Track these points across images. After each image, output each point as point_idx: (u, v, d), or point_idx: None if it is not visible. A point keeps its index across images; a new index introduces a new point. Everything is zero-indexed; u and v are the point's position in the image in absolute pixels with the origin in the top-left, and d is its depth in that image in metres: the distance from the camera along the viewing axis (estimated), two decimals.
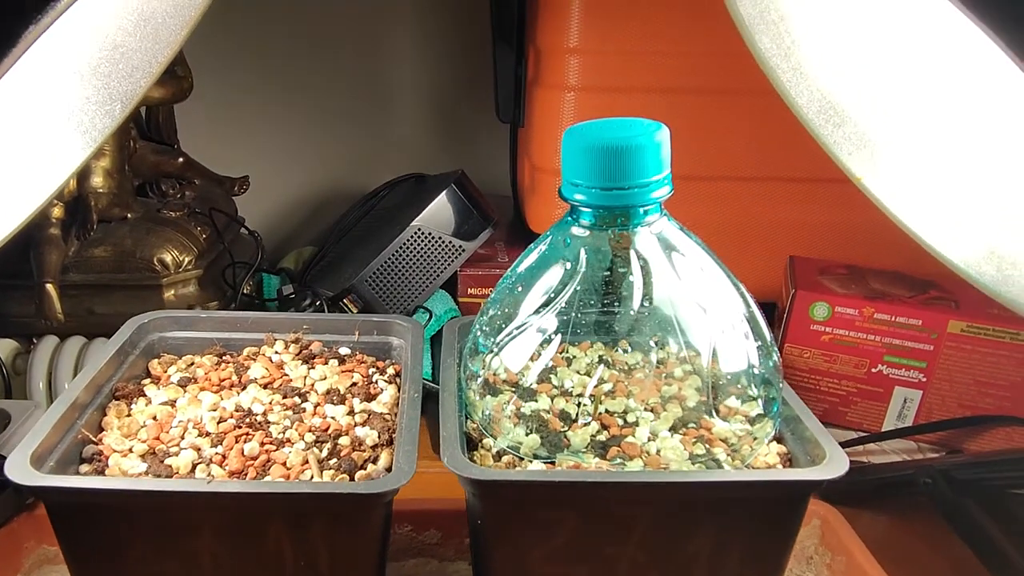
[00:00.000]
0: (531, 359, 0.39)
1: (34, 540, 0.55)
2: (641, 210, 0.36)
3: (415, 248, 0.73)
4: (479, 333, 0.41)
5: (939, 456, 0.66)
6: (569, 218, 0.38)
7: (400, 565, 0.56)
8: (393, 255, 0.73)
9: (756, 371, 0.37)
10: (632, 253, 0.36)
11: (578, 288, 0.37)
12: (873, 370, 0.68)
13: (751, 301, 0.38)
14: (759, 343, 0.37)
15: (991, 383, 0.66)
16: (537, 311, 0.38)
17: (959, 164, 0.43)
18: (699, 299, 0.37)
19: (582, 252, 0.37)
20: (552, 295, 0.37)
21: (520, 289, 0.39)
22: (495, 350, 0.39)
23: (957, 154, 0.43)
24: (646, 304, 0.36)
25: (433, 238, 0.74)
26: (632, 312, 0.36)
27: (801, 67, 0.43)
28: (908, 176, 0.44)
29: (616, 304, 0.37)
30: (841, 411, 0.70)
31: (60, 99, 0.44)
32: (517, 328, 0.38)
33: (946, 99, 0.42)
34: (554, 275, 0.38)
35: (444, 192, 0.74)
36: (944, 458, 0.64)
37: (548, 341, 0.38)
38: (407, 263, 0.73)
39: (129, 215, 0.75)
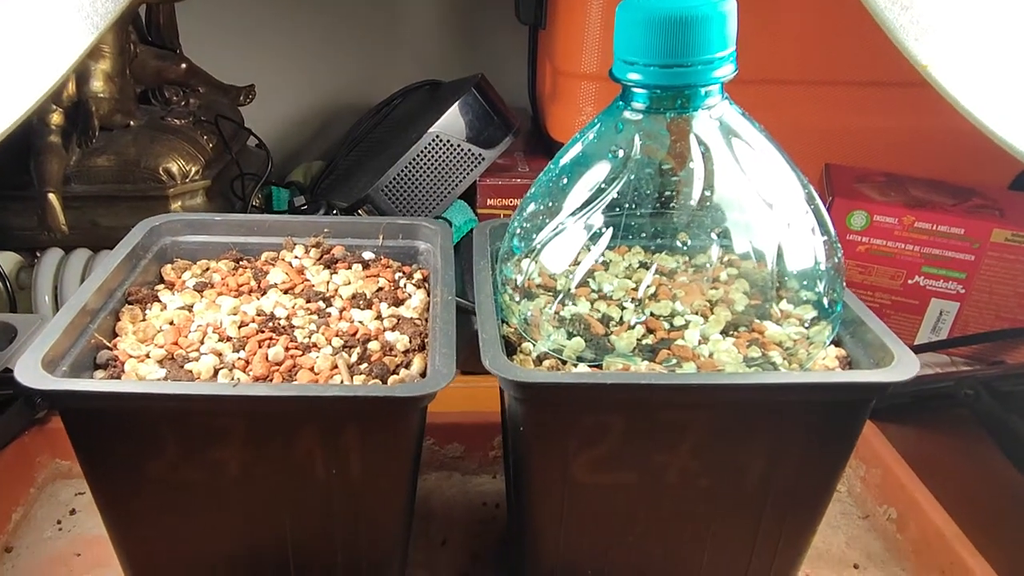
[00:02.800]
0: (575, 260, 0.36)
1: (47, 454, 0.53)
2: (702, 91, 0.33)
3: (433, 156, 0.70)
4: (517, 232, 0.38)
5: (979, 367, 0.64)
6: (620, 102, 0.35)
7: (423, 478, 0.55)
8: (410, 163, 0.70)
9: (822, 268, 0.34)
10: (692, 139, 0.33)
11: (632, 177, 0.34)
12: (909, 281, 0.66)
13: (815, 193, 0.35)
14: (825, 238, 0.34)
15: None
16: (586, 204, 0.35)
17: None
18: (763, 192, 0.34)
19: (636, 138, 0.34)
20: (603, 186, 0.34)
21: (565, 182, 0.36)
22: (537, 248, 0.36)
23: None
24: (708, 194, 0.33)
25: (452, 145, 0.70)
26: (692, 205, 0.33)
27: None
28: (978, 64, 0.41)
29: (673, 197, 0.34)
30: None
31: None
32: (561, 224, 0.35)
33: None
34: (604, 164, 0.35)
35: (463, 97, 0.70)
36: (985, 369, 0.62)
37: (597, 237, 0.35)
38: (425, 172, 0.70)
39: (132, 122, 0.72)
